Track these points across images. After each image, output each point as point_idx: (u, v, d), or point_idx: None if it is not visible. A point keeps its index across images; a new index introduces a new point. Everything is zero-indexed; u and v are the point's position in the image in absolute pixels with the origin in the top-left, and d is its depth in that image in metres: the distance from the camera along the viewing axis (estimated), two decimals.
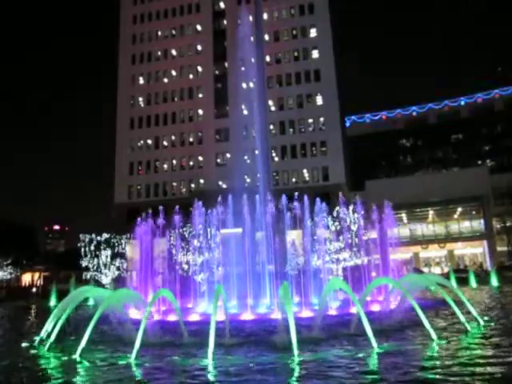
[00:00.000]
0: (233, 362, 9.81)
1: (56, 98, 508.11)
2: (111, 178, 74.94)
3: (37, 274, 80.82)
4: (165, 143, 74.47)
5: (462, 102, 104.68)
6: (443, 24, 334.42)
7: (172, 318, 18.06)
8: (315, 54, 70.95)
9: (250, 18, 77.01)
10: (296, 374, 8.74)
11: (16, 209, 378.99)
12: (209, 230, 44.11)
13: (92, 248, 53.54)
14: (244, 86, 77.42)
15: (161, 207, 27.26)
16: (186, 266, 42.48)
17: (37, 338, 13.61)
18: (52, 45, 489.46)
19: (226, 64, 73.84)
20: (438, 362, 9.16)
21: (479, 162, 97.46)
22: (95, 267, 52.68)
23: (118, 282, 54.69)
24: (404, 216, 67.12)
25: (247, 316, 17.08)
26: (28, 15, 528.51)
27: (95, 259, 52.93)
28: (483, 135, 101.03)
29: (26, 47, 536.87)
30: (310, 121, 69.42)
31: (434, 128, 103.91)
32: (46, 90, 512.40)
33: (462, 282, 40.04)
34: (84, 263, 52.95)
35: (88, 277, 52.47)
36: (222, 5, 76.48)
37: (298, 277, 22.79)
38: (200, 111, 73.86)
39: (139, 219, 25.00)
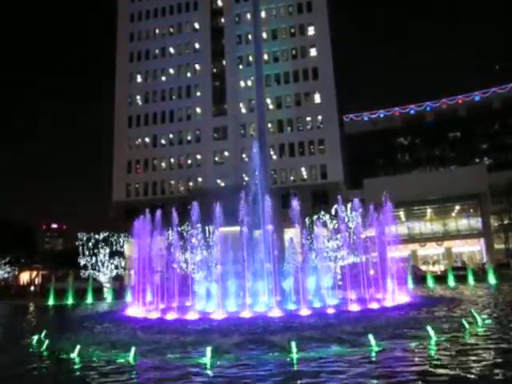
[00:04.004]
0: (231, 361, 9.83)
1: (54, 98, 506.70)
2: (109, 177, 74.90)
3: (35, 273, 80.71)
4: (163, 141, 74.35)
5: (460, 100, 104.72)
6: (441, 21, 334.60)
7: (171, 316, 18.07)
8: (313, 52, 70.85)
9: (248, 16, 77.17)
10: (294, 372, 8.77)
11: (14, 208, 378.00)
12: (207, 228, 44.14)
13: (90, 246, 53.48)
14: (242, 84, 77.73)
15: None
16: (184, 265, 42.49)
17: (35, 337, 13.60)
18: (49, 41, 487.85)
19: (224, 62, 73.76)
20: (435, 360, 9.19)
21: (477, 160, 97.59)
22: (93, 266, 52.64)
23: (117, 280, 54.70)
24: (402, 214, 67.22)
25: (246, 314, 17.09)
26: (25, 14, 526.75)
27: (93, 258, 52.88)
28: (481, 133, 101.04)
29: (20, 48, 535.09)
30: (308, 119, 69.39)
31: (432, 126, 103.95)
32: (44, 89, 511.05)
33: (460, 279, 40.19)
34: (82, 262, 52.89)
35: (86, 275, 52.39)
36: (219, 3, 76.30)
37: (296, 275, 22.80)
38: (198, 109, 73.75)
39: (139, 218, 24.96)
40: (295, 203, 22.50)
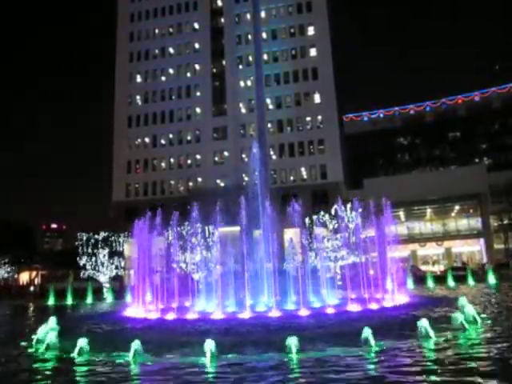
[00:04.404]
0: (231, 361, 9.83)
1: (54, 98, 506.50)
2: (109, 177, 74.87)
3: (34, 273, 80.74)
4: (162, 141, 74.34)
5: (460, 100, 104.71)
6: (441, 21, 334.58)
7: (170, 316, 18.06)
8: (313, 52, 70.84)
9: (248, 16, 77.09)
10: (294, 372, 8.76)
11: (14, 208, 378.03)
12: (207, 228, 44.14)
13: (90, 246, 53.48)
14: (242, 84, 77.64)
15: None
16: (184, 265, 42.48)
17: (35, 337, 13.60)
18: (49, 41, 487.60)
19: (224, 62, 73.75)
20: (435, 360, 9.18)
21: (477, 160, 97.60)
22: (93, 266, 52.62)
23: (116, 280, 54.69)
24: (402, 214, 67.23)
25: (245, 314, 17.08)
26: (25, 14, 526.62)
27: (93, 258, 52.86)
28: (481, 133, 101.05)
29: (21, 48, 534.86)
30: (308, 119, 69.38)
31: (432, 126, 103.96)
32: (44, 89, 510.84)
33: (460, 279, 40.18)
34: (82, 262, 52.87)
35: (86, 275, 52.40)
36: (219, 3, 76.30)
37: (296, 275, 22.81)
38: (198, 109, 73.74)
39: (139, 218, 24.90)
40: (295, 203, 22.50)
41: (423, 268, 61.13)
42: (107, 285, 50.36)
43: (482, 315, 14.96)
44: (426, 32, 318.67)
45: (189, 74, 75.41)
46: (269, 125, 65.67)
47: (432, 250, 68.46)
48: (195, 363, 9.76)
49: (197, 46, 75.81)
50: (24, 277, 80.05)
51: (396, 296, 21.48)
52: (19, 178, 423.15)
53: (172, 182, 71.85)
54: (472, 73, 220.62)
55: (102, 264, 52.87)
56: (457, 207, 66.58)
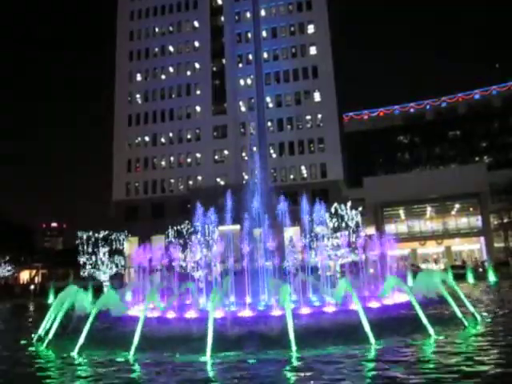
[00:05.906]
0: (231, 359, 9.83)
1: (55, 99, 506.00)
2: (109, 176, 74.87)
3: (34, 272, 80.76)
4: (162, 140, 74.31)
5: (460, 99, 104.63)
6: (441, 21, 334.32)
7: (170, 314, 18.06)
8: (313, 50, 70.80)
9: (248, 15, 77.03)
10: (294, 370, 8.77)
11: (14, 208, 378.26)
12: (207, 226, 44.11)
13: (90, 245, 53.46)
14: (242, 82, 77.59)
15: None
16: (183, 263, 42.48)
17: (35, 336, 13.61)
18: (50, 43, 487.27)
19: (224, 61, 73.70)
20: (435, 358, 9.19)
21: (477, 159, 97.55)
22: (93, 264, 52.61)
23: (117, 279, 54.68)
24: (402, 212, 67.25)
25: (245, 313, 17.07)
26: (25, 14, 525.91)
27: (93, 256, 52.85)
28: (481, 132, 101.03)
29: (22, 47, 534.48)
30: (308, 117, 69.36)
31: (432, 124, 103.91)
32: (45, 90, 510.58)
33: (460, 278, 40.19)
34: (82, 260, 52.87)
35: (86, 274, 52.40)
36: (219, 1, 76.23)
37: (296, 273, 22.78)
38: (198, 108, 73.70)
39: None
40: (295, 202, 22.47)
41: (423, 266, 61.13)
42: (107, 283, 50.36)
43: (482, 313, 14.97)
44: (426, 32, 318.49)
45: (189, 73, 75.34)
46: (269, 123, 65.69)
47: (432, 249, 68.51)
48: (195, 361, 9.76)
49: (197, 44, 75.74)
50: (24, 276, 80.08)
51: (396, 294, 21.47)
52: (19, 178, 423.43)
53: (172, 181, 71.84)
54: (472, 73, 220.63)
55: (103, 262, 52.87)
56: (457, 206, 66.60)
